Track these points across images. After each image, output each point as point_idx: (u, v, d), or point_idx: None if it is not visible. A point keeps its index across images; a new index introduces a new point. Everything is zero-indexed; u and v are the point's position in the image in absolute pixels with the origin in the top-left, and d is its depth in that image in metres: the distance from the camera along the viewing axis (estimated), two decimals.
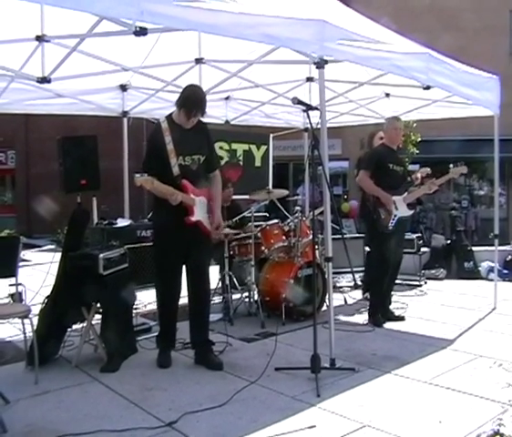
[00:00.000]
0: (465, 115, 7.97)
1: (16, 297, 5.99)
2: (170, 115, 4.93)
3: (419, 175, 6.83)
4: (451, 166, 6.72)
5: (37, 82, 5.59)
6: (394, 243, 6.34)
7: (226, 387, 4.32)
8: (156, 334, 5.25)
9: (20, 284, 5.91)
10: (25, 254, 11.58)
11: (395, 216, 6.29)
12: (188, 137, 4.83)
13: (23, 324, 4.61)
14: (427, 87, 6.02)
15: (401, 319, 6.47)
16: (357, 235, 9.31)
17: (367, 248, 8.03)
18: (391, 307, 6.65)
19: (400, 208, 6.32)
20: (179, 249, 4.84)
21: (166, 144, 4.70)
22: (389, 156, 6.44)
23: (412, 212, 6.49)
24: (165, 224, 4.82)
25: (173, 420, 3.72)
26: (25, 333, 4.66)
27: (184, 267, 4.98)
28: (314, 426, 3.65)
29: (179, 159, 4.73)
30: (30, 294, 6.44)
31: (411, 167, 7.77)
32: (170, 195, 4.60)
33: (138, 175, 4.49)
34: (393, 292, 6.79)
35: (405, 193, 6.38)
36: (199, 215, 4.84)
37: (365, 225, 6.96)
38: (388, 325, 6.29)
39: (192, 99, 4.77)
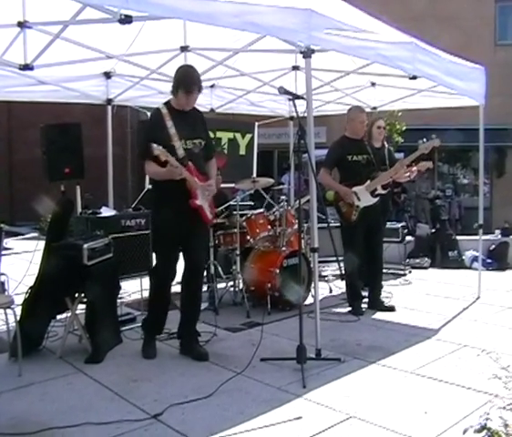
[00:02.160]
0: (451, 105, 7.99)
1: None
2: (168, 102, 4.87)
3: (415, 168, 6.75)
4: (420, 141, 6.66)
5: (19, 69, 5.49)
6: (361, 234, 6.35)
7: (212, 378, 4.31)
8: (141, 322, 5.20)
9: (2, 274, 5.84)
10: (7, 242, 11.45)
11: (357, 207, 6.29)
12: (188, 121, 4.82)
13: (5, 315, 4.56)
14: (413, 77, 6.02)
15: (391, 309, 6.48)
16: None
17: None
18: (380, 297, 6.67)
19: (362, 197, 6.31)
20: (177, 236, 4.79)
21: (168, 128, 4.64)
22: (349, 147, 6.42)
23: (376, 200, 6.42)
24: (165, 209, 4.74)
25: (159, 412, 3.70)
26: (7, 324, 4.62)
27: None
28: (300, 417, 3.65)
29: (182, 143, 4.69)
30: (13, 284, 6.36)
31: (396, 156, 7.73)
32: (175, 167, 4.52)
33: (155, 145, 4.45)
34: (382, 282, 6.79)
35: (368, 181, 6.35)
36: (201, 200, 4.79)
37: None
38: (373, 315, 6.31)
39: (188, 77, 4.76)
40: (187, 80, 4.73)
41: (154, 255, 5.19)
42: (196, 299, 5.10)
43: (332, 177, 6.60)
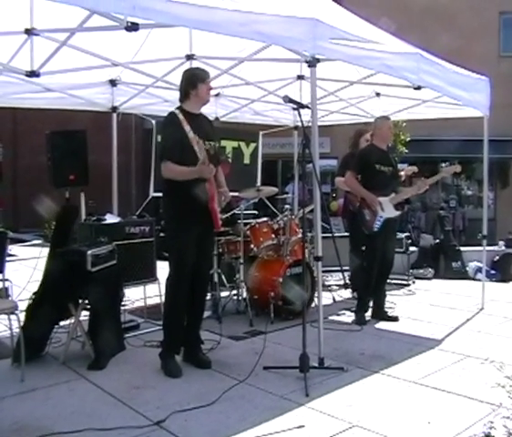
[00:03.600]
0: (455, 115, 8.01)
1: (3, 292, 5.94)
2: (180, 107, 4.84)
3: (403, 173, 6.83)
4: (443, 164, 6.72)
5: (26, 76, 5.52)
6: (380, 244, 6.34)
7: (214, 386, 4.30)
8: (146, 332, 5.18)
9: (7, 279, 5.86)
10: (11, 249, 11.48)
11: (381, 217, 6.29)
12: (202, 123, 4.86)
13: (9, 320, 4.57)
14: (418, 87, 6.03)
15: (394, 319, 6.47)
16: (346, 234, 9.31)
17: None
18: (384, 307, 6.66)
19: (386, 209, 6.31)
20: (194, 239, 4.72)
21: (187, 132, 4.61)
22: (377, 156, 6.42)
23: (399, 213, 6.46)
24: (185, 211, 4.64)
25: (161, 418, 3.69)
26: (11, 330, 4.62)
27: None
28: (303, 426, 3.64)
29: (200, 143, 4.66)
30: (17, 290, 6.38)
31: (399, 166, 7.76)
32: (207, 165, 4.50)
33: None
34: (386, 293, 6.79)
35: (393, 194, 6.36)
36: (217, 205, 4.77)
37: (348, 224, 6.94)
38: (377, 324, 6.30)
39: (198, 70, 4.94)
40: (199, 72, 4.86)
41: (170, 261, 4.85)
42: (201, 306, 5.08)
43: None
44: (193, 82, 4.76)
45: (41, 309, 4.90)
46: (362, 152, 6.85)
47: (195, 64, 6.19)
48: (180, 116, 4.68)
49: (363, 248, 6.58)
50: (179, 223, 4.74)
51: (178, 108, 4.82)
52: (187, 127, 4.63)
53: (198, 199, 4.53)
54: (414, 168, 7.03)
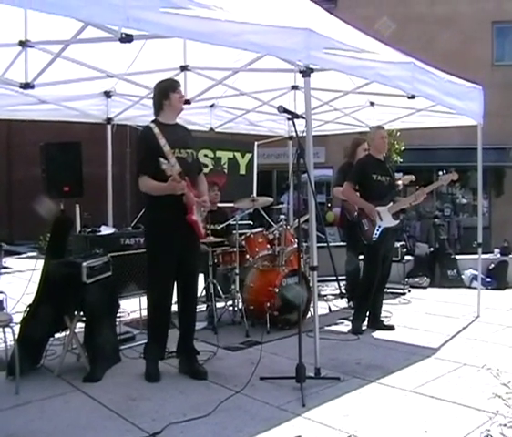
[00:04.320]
0: (449, 124, 8.04)
1: None
2: (155, 120, 4.88)
3: (400, 182, 6.85)
4: (440, 173, 6.74)
5: (20, 88, 5.51)
6: (379, 253, 6.35)
7: (210, 397, 4.29)
8: (142, 343, 5.15)
9: (1, 292, 5.82)
10: (6, 261, 11.45)
11: (379, 227, 6.29)
12: (178, 132, 4.86)
13: (4, 333, 4.52)
14: (412, 97, 6.05)
15: (390, 328, 6.46)
16: (341, 243, 9.31)
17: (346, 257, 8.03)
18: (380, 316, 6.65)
19: (384, 218, 6.32)
20: (173, 252, 4.74)
21: (162, 146, 4.62)
22: (374, 166, 6.43)
23: (397, 222, 6.47)
24: (161, 224, 4.71)
25: (157, 430, 3.67)
26: (5, 342, 4.60)
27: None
28: (300, 436, 3.62)
29: (176, 152, 4.68)
30: (11, 302, 6.34)
31: (397, 176, 7.79)
32: (178, 181, 4.51)
33: (163, 160, 4.49)
34: (382, 302, 6.78)
35: (390, 203, 6.37)
36: (197, 215, 4.76)
37: (344, 233, 6.94)
38: (373, 334, 6.30)
39: (167, 80, 4.97)
40: (169, 82, 4.90)
41: (150, 275, 4.97)
42: (191, 315, 5.06)
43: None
44: (165, 92, 4.82)
45: (36, 321, 4.87)
46: (358, 163, 6.86)
47: (189, 75, 6.22)
48: (156, 130, 4.70)
49: (362, 257, 6.58)
50: (153, 233, 4.86)
51: (153, 121, 4.85)
52: (162, 141, 4.65)
53: (174, 212, 4.59)
54: (412, 177, 7.04)
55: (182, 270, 4.86)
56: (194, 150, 4.93)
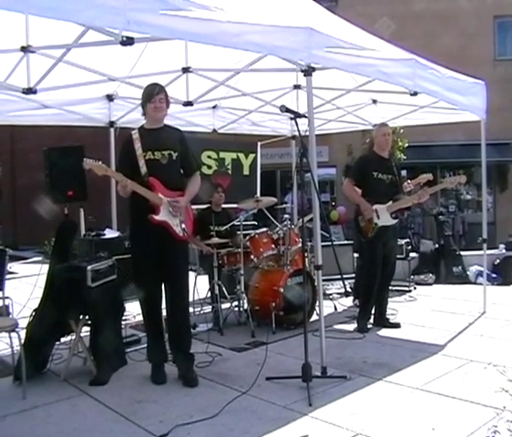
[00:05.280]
0: (452, 120, 8.01)
1: (3, 310, 5.93)
2: (142, 125, 4.93)
3: (414, 182, 6.78)
4: (447, 175, 6.69)
5: (23, 93, 5.54)
6: (378, 250, 6.33)
7: (217, 398, 4.28)
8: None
9: (7, 297, 5.85)
10: (11, 266, 11.45)
11: (376, 224, 6.28)
12: (158, 135, 4.82)
13: (10, 338, 4.55)
14: (414, 93, 6.03)
15: (396, 326, 6.45)
16: (346, 242, 9.31)
17: (356, 255, 8.03)
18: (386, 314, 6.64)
19: (382, 216, 6.29)
20: (151, 257, 4.72)
21: (135, 150, 4.68)
22: (376, 164, 6.41)
23: (395, 221, 6.43)
24: (137, 229, 4.81)
25: (164, 433, 3.67)
26: (12, 347, 4.59)
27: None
28: (307, 436, 3.62)
29: (148, 154, 4.69)
30: (17, 307, 6.36)
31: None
32: (120, 181, 4.58)
33: (89, 160, 4.58)
34: (388, 299, 6.76)
35: (390, 202, 6.35)
36: (165, 215, 4.66)
37: (354, 231, 6.94)
38: (379, 332, 6.28)
39: (149, 86, 4.87)
40: (148, 91, 4.82)
41: (134, 279, 5.03)
42: (177, 317, 4.88)
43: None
44: (143, 102, 4.86)
45: (42, 325, 4.88)
46: (360, 159, 6.86)
47: (191, 77, 6.22)
48: (135, 136, 4.76)
49: (362, 255, 6.57)
50: (131, 238, 4.98)
51: (140, 127, 4.92)
52: (137, 145, 4.70)
53: (145, 214, 4.60)
54: (430, 176, 6.98)
55: (164, 273, 4.80)
56: (174, 150, 4.81)
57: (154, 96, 4.75)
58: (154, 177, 4.66)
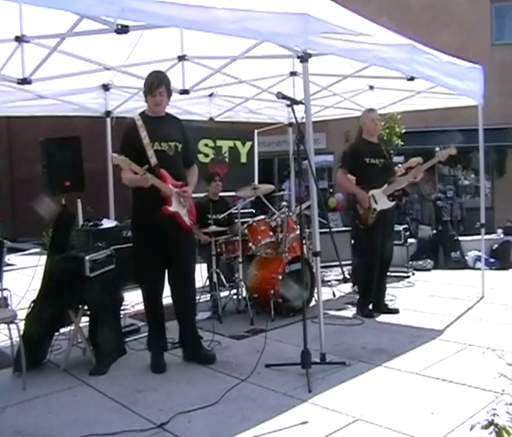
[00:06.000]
0: (450, 105, 7.99)
1: (2, 302, 5.92)
2: (143, 112, 4.90)
3: (404, 166, 6.79)
4: (437, 149, 6.66)
5: (18, 83, 5.52)
6: (378, 236, 6.33)
7: (217, 386, 4.29)
8: (146, 335, 5.16)
9: (5, 289, 5.84)
10: (9, 258, 11.46)
11: (375, 210, 6.28)
12: (162, 124, 4.83)
13: (9, 329, 4.55)
14: (411, 79, 6.02)
15: (395, 311, 6.46)
16: (344, 228, 9.29)
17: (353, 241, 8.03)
18: (384, 299, 6.65)
19: (379, 201, 6.30)
20: (159, 248, 4.73)
21: (142, 139, 4.65)
22: (366, 150, 6.42)
23: (393, 204, 6.44)
24: (143, 219, 4.75)
25: (164, 421, 3.68)
26: (11, 339, 4.59)
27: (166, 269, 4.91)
28: (307, 422, 3.63)
29: (155, 145, 4.68)
30: (16, 299, 6.36)
31: (396, 159, 7.76)
32: (142, 174, 4.52)
33: (115, 154, 4.53)
34: (386, 285, 6.77)
35: (385, 185, 6.35)
36: (176, 207, 4.74)
37: (350, 218, 6.93)
38: (378, 318, 6.30)
39: (150, 80, 4.80)
40: (149, 83, 4.78)
41: (136, 269, 5.00)
42: (187, 306, 5.04)
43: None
44: (144, 92, 4.84)
45: (41, 316, 4.87)
46: (350, 148, 6.85)
47: (187, 65, 6.19)
48: (139, 123, 4.72)
49: (359, 242, 6.55)
50: (137, 229, 4.90)
51: (141, 113, 4.88)
52: (143, 134, 4.67)
53: (154, 205, 4.61)
54: (419, 159, 7.00)
55: (172, 262, 4.85)
56: (179, 142, 4.85)
57: (154, 90, 4.73)
58: (162, 168, 4.68)
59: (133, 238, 5.03)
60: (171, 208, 4.69)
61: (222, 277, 6.72)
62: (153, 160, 4.64)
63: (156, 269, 4.81)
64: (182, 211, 4.80)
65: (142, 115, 4.84)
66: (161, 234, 4.68)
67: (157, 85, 4.73)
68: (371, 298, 6.49)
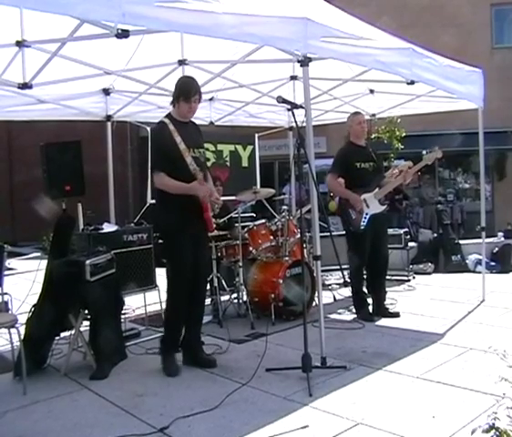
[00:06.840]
0: (450, 108, 7.99)
1: (2, 306, 5.91)
2: (169, 115, 4.89)
3: (396, 170, 6.80)
4: (424, 152, 6.69)
5: (18, 88, 5.51)
6: (366, 241, 6.34)
7: (217, 390, 4.29)
8: (147, 340, 5.16)
9: (6, 293, 5.84)
10: (10, 263, 11.45)
11: (367, 214, 6.28)
12: (191, 131, 4.89)
13: (9, 334, 4.55)
14: (411, 82, 6.03)
15: (395, 315, 6.45)
16: (344, 232, 9.28)
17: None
18: (385, 303, 6.65)
19: (371, 205, 6.31)
20: (190, 250, 4.78)
21: (177, 144, 4.65)
22: (356, 154, 6.44)
23: (385, 207, 6.46)
24: (180, 223, 4.72)
25: (165, 425, 3.68)
26: (11, 343, 4.60)
27: None
28: (307, 426, 3.63)
29: (191, 152, 4.72)
30: (16, 303, 6.36)
31: (396, 163, 7.76)
32: (203, 184, 4.64)
33: (191, 161, 4.65)
34: (386, 289, 6.77)
35: (376, 189, 6.35)
36: (210, 212, 4.88)
37: (342, 223, 6.91)
38: (378, 321, 6.29)
39: (188, 86, 4.82)
40: (186, 89, 4.78)
41: (168, 265, 4.96)
42: (201, 308, 5.11)
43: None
44: (177, 96, 4.83)
45: (41, 321, 4.87)
46: (339, 153, 6.82)
47: (187, 69, 6.19)
48: (171, 127, 4.71)
49: (350, 246, 6.55)
50: (173, 227, 4.81)
51: (167, 116, 4.86)
52: (178, 138, 4.67)
53: (191, 211, 4.67)
54: (410, 163, 7.02)
55: (196, 264, 4.87)
56: (204, 149, 5.00)
57: (191, 97, 4.76)
58: None
59: (170, 241, 4.92)
60: (210, 214, 4.83)
61: (223, 281, 6.72)
62: (192, 167, 4.66)
63: (188, 272, 4.81)
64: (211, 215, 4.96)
65: (171, 118, 4.83)
66: (192, 239, 4.76)
67: (194, 92, 4.78)
68: (364, 301, 6.50)
